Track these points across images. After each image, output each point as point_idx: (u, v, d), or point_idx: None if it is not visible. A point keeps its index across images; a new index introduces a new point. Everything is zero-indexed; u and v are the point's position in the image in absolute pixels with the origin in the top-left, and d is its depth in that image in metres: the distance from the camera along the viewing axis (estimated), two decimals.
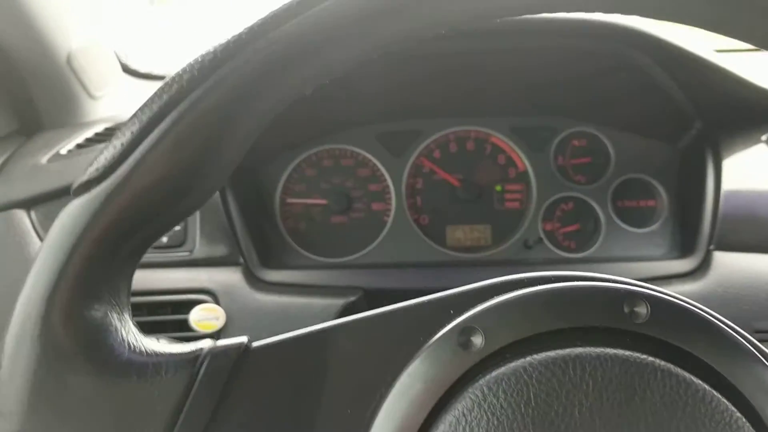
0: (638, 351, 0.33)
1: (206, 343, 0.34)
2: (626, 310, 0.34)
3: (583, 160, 1.00)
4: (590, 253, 0.97)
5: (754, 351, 0.34)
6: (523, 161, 1.00)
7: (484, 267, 0.95)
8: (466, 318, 0.34)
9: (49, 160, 0.90)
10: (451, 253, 0.99)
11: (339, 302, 0.84)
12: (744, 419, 0.32)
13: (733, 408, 0.32)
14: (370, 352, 0.34)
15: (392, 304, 0.70)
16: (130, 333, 0.33)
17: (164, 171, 0.31)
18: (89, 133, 0.97)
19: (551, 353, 0.33)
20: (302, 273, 0.91)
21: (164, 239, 0.87)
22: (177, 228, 0.88)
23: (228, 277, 0.86)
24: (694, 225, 0.89)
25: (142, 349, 0.32)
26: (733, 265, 0.84)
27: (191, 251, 0.88)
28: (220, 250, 0.88)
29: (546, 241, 0.97)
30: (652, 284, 0.87)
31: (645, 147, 0.98)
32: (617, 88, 0.94)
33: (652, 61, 0.87)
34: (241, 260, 0.88)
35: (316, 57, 0.31)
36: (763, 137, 0.89)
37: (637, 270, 0.89)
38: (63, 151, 0.92)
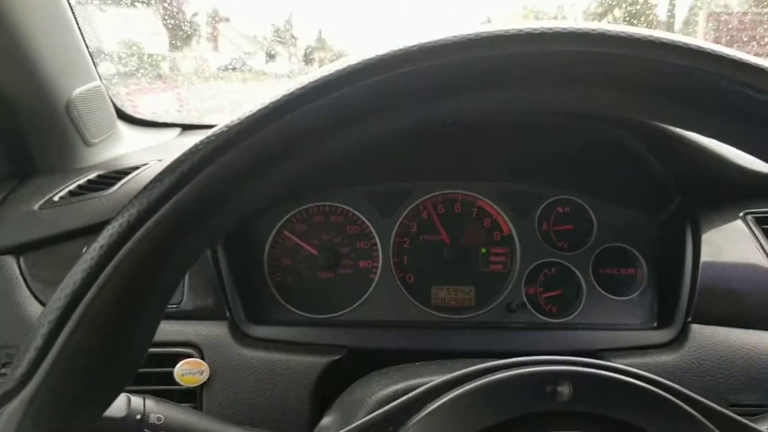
0: (567, 429, 0.34)
1: None
2: (548, 390, 0.35)
3: (567, 226, 1.03)
4: (571, 319, 0.99)
5: (681, 403, 0.35)
6: (509, 225, 1.03)
7: (467, 329, 0.97)
8: None
9: (41, 207, 0.91)
10: (435, 313, 1.00)
11: (323, 360, 0.85)
12: None
13: None
14: None
15: (375, 363, 0.71)
16: None
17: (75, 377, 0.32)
18: (82, 181, 0.97)
19: None
20: (288, 329, 0.92)
21: None
22: None
23: (213, 331, 0.86)
24: (672, 296, 0.91)
25: None
26: (710, 339, 0.85)
27: (178, 304, 0.88)
28: (207, 303, 0.89)
29: (528, 306, 0.99)
30: (629, 354, 0.86)
31: (627, 217, 1.01)
32: (602, 162, 0.97)
33: (636, 139, 0.91)
34: (228, 314, 0.89)
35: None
36: (741, 213, 0.92)
37: (615, 339, 0.91)
38: (56, 198, 0.93)
